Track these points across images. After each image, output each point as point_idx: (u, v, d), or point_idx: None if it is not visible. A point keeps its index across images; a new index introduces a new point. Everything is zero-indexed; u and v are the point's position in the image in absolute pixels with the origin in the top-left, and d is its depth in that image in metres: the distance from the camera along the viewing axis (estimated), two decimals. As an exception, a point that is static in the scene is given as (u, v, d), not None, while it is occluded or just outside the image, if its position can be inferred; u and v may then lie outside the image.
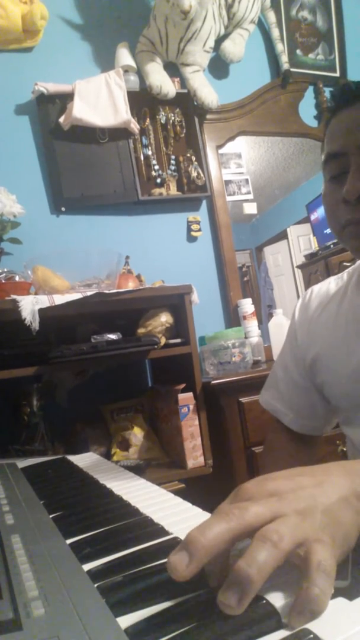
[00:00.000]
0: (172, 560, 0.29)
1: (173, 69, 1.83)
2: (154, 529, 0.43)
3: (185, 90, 1.81)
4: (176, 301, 1.42)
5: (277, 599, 0.29)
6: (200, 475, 1.34)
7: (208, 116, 1.88)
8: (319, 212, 2.20)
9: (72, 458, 0.86)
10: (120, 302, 1.33)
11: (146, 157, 1.80)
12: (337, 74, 2.16)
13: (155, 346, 1.33)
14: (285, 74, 2.00)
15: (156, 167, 1.80)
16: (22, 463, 0.83)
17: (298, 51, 2.09)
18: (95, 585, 0.32)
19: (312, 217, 2.23)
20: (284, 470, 0.36)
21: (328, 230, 2.15)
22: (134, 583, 0.33)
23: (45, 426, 1.41)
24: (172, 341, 1.40)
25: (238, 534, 0.29)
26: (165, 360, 1.41)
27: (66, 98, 1.65)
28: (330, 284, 0.81)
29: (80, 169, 1.70)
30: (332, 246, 2.11)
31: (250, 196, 2.04)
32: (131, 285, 1.44)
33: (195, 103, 1.82)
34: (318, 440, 0.87)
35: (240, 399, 1.38)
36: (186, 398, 1.36)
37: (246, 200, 2.04)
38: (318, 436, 0.85)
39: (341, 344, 0.73)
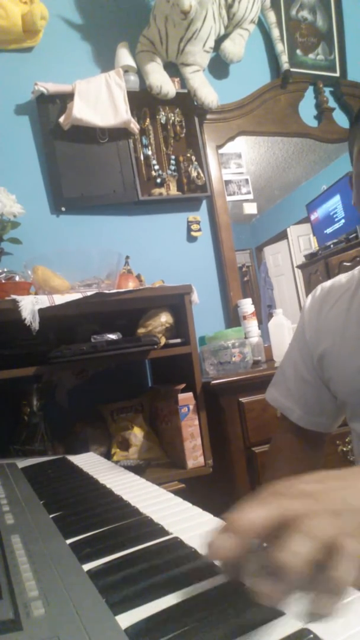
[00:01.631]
0: (214, 541, 0.29)
1: (173, 69, 1.83)
2: (153, 529, 0.43)
3: (185, 90, 1.81)
4: (176, 301, 1.42)
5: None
6: (200, 475, 1.34)
7: (208, 116, 1.88)
8: (319, 212, 2.21)
9: (72, 458, 0.86)
10: (120, 302, 1.33)
11: (146, 157, 1.80)
12: (337, 74, 2.16)
13: (155, 346, 1.33)
14: (285, 74, 2.00)
15: (156, 167, 1.80)
16: (22, 463, 0.83)
17: (298, 51, 2.09)
18: (95, 585, 0.32)
19: (312, 217, 2.23)
20: (313, 474, 0.36)
21: (328, 230, 2.16)
22: (133, 583, 0.33)
23: (45, 426, 1.41)
24: (172, 341, 1.40)
25: (275, 522, 0.29)
26: (165, 360, 1.41)
27: (66, 98, 1.65)
28: (341, 281, 0.81)
29: (80, 169, 1.70)
30: (332, 246, 2.11)
31: (250, 196, 2.04)
32: (131, 285, 1.44)
33: (195, 103, 1.82)
34: (324, 439, 0.87)
35: (240, 399, 1.38)
36: (186, 398, 1.36)
37: (246, 200, 2.04)
38: (325, 434, 0.85)
39: (350, 340, 0.73)
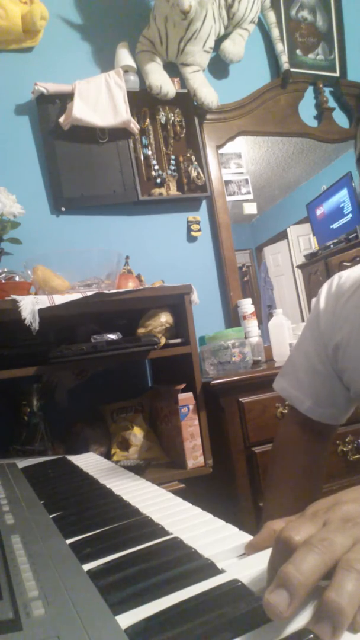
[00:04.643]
0: (272, 601, 0.27)
1: (173, 69, 1.83)
2: (153, 529, 0.43)
3: (185, 90, 1.81)
4: (176, 301, 1.42)
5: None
6: (200, 475, 1.34)
7: (208, 116, 1.88)
8: (325, 207, 2.20)
9: (72, 458, 0.86)
10: (120, 302, 1.32)
11: (146, 157, 1.80)
12: (337, 74, 2.16)
13: (155, 346, 1.33)
14: (285, 74, 2.00)
15: (156, 167, 1.80)
16: (22, 463, 0.83)
17: (298, 51, 2.09)
18: (95, 585, 0.32)
19: (318, 212, 2.22)
20: (349, 491, 0.36)
21: (334, 225, 2.15)
22: (134, 583, 0.33)
23: (45, 426, 1.41)
24: (172, 341, 1.40)
25: (330, 566, 0.29)
26: (165, 360, 1.41)
27: (66, 98, 1.65)
28: (358, 272, 0.80)
29: (80, 169, 1.70)
30: (332, 246, 2.11)
31: (250, 196, 2.04)
32: (131, 285, 1.44)
33: (195, 103, 1.82)
34: (332, 431, 0.87)
35: (240, 399, 1.38)
36: (186, 398, 1.36)
37: (246, 200, 2.04)
38: (334, 426, 0.85)
39: None
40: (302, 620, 0.27)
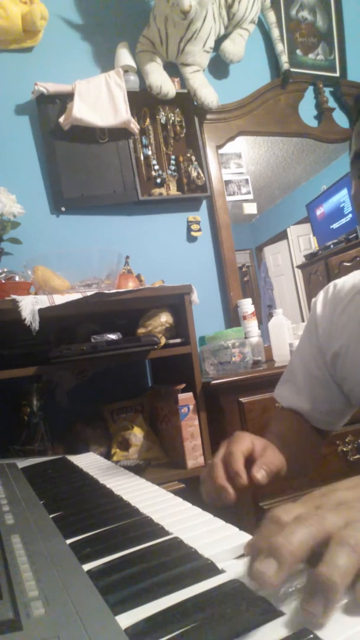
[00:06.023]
0: (259, 568, 0.28)
1: (173, 69, 1.83)
2: (154, 529, 0.43)
3: (185, 90, 1.81)
4: (176, 301, 1.42)
5: (277, 600, 0.29)
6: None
7: (208, 116, 1.88)
8: (325, 207, 2.20)
9: (72, 458, 0.86)
10: (120, 302, 1.33)
11: (146, 157, 1.80)
12: (337, 74, 2.16)
13: (155, 346, 1.33)
14: (285, 74, 2.00)
15: (156, 167, 1.80)
16: (22, 463, 0.83)
17: (298, 51, 2.09)
18: (95, 585, 0.32)
19: (318, 212, 2.22)
20: (345, 480, 0.36)
21: (334, 225, 2.15)
22: (134, 583, 0.33)
23: (45, 426, 1.41)
24: (172, 341, 1.40)
25: (319, 540, 0.29)
26: (165, 360, 1.41)
27: (66, 98, 1.65)
28: (356, 277, 0.79)
29: (80, 169, 1.70)
30: (332, 246, 2.11)
31: (250, 196, 2.04)
32: (131, 285, 1.44)
33: (195, 103, 1.82)
34: (326, 436, 0.87)
35: (240, 399, 1.38)
36: (186, 398, 1.36)
37: (246, 200, 2.04)
38: (329, 431, 0.85)
39: None
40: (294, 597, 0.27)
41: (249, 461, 0.57)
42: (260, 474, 0.54)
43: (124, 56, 1.74)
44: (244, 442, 0.59)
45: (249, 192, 2.03)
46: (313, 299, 0.85)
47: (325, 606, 0.26)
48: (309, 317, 0.85)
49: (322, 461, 1.39)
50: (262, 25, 2.04)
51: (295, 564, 0.28)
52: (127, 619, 0.28)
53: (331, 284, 0.83)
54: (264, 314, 2.07)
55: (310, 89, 2.11)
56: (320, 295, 0.83)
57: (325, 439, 0.88)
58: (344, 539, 0.28)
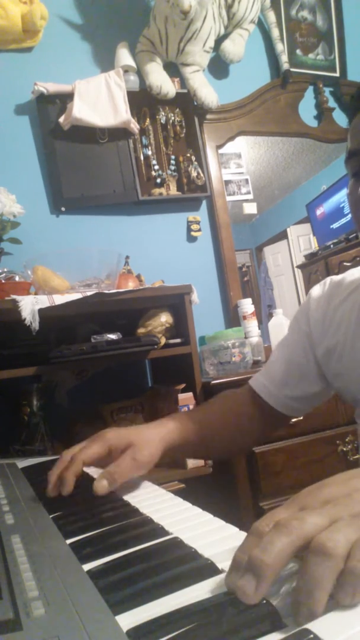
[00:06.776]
0: (240, 585, 0.28)
1: (173, 69, 1.83)
2: (154, 528, 0.43)
3: (185, 90, 1.81)
4: (176, 301, 1.42)
5: (277, 600, 0.29)
6: (200, 475, 1.33)
7: (208, 116, 1.88)
8: (325, 207, 2.20)
9: (72, 458, 0.85)
10: (120, 302, 1.32)
11: (146, 157, 1.80)
12: (337, 74, 2.16)
13: (155, 346, 1.33)
14: (285, 74, 2.00)
15: (156, 167, 1.80)
16: (22, 463, 0.83)
17: (298, 51, 2.09)
18: (95, 585, 0.32)
19: (318, 212, 2.22)
20: (336, 475, 0.36)
21: (334, 225, 2.15)
22: (134, 583, 0.33)
23: (45, 426, 1.41)
24: (172, 341, 1.40)
25: (299, 546, 0.29)
26: (165, 360, 1.41)
27: (66, 98, 1.65)
28: (354, 275, 0.78)
29: (80, 169, 1.70)
30: (332, 246, 2.11)
31: (250, 196, 2.04)
32: (131, 285, 1.44)
33: (195, 103, 1.82)
34: (281, 425, 0.87)
35: (240, 399, 1.38)
36: (186, 398, 1.36)
37: (246, 200, 2.04)
38: (287, 419, 0.85)
39: None
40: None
41: (102, 462, 0.60)
42: (100, 484, 0.55)
43: (124, 56, 1.74)
44: (95, 448, 0.61)
45: (249, 192, 2.03)
46: (309, 291, 0.84)
47: (309, 615, 0.26)
48: (300, 307, 0.84)
49: (322, 462, 1.39)
50: (262, 25, 2.04)
51: (274, 575, 0.28)
52: (127, 619, 0.28)
53: (328, 279, 0.82)
54: (264, 314, 2.07)
55: (310, 88, 2.11)
56: (317, 288, 0.83)
57: (281, 426, 0.88)
58: (320, 546, 0.27)
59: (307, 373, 0.79)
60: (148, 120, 1.81)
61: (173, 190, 1.82)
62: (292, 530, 0.29)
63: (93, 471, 0.72)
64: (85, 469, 0.74)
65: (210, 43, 1.80)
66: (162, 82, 1.73)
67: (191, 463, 1.34)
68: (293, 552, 0.29)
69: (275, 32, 2.01)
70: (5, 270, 1.36)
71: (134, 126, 1.72)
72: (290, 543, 0.28)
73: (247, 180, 2.03)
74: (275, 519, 0.31)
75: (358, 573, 0.27)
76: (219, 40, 1.87)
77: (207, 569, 0.34)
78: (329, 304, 0.78)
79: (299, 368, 0.80)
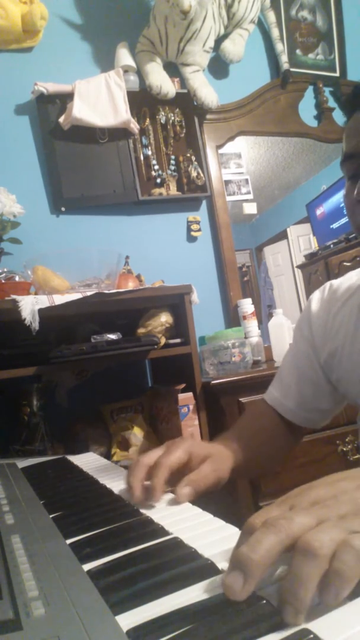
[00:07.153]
0: (227, 582, 0.28)
1: (173, 69, 1.83)
2: (154, 529, 0.43)
3: (185, 90, 1.81)
4: (176, 301, 1.42)
5: (276, 600, 0.29)
6: (200, 475, 1.33)
7: (208, 116, 1.88)
8: (325, 207, 2.20)
9: (72, 458, 0.86)
10: (120, 302, 1.32)
11: (146, 157, 1.80)
12: (337, 74, 2.16)
13: (155, 346, 1.33)
14: (285, 74, 2.00)
15: (156, 167, 1.80)
16: (22, 463, 0.83)
17: (298, 51, 2.09)
18: (95, 585, 0.32)
19: (318, 212, 2.22)
20: (324, 477, 0.36)
21: (334, 225, 2.15)
22: (134, 583, 0.33)
23: (45, 426, 1.41)
24: (172, 341, 1.40)
25: (287, 545, 0.29)
26: (165, 360, 1.41)
27: (66, 98, 1.65)
28: (352, 279, 0.79)
29: (80, 169, 1.70)
30: (332, 246, 2.11)
31: (250, 196, 2.04)
32: (131, 285, 1.44)
33: (195, 103, 1.82)
34: (304, 432, 0.87)
35: (240, 399, 1.38)
36: (186, 398, 1.36)
37: (246, 200, 2.04)
38: (305, 429, 0.85)
39: None
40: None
41: (180, 470, 0.58)
42: (184, 491, 0.53)
43: (124, 56, 1.74)
44: (178, 454, 0.58)
45: (249, 192, 2.03)
46: (309, 297, 0.84)
47: (296, 615, 0.26)
48: (302, 314, 0.84)
49: (321, 462, 1.39)
50: (262, 25, 2.04)
51: (261, 572, 0.28)
52: (127, 619, 0.28)
53: (328, 284, 0.82)
54: (264, 314, 2.07)
55: (310, 88, 2.11)
56: (316, 293, 0.83)
57: (299, 437, 0.88)
58: (306, 546, 0.28)
59: (318, 384, 0.79)
60: (148, 120, 1.81)
61: (173, 190, 1.82)
62: (280, 529, 0.29)
63: (94, 472, 0.72)
64: (85, 469, 0.74)
65: (210, 43, 1.80)
66: (162, 82, 1.73)
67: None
68: (280, 551, 0.29)
69: (275, 32, 2.01)
70: (5, 270, 1.36)
71: (134, 126, 1.72)
72: (278, 542, 0.29)
73: (247, 180, 2.03)
74: (264, 517, 0.31)
75: (342, 573, 0.27)
76: (219, 40, 1.87)
77: (207, 569, 0.34)
78: (329, 310, 0.79)
79: (310, 382, 0.80)
